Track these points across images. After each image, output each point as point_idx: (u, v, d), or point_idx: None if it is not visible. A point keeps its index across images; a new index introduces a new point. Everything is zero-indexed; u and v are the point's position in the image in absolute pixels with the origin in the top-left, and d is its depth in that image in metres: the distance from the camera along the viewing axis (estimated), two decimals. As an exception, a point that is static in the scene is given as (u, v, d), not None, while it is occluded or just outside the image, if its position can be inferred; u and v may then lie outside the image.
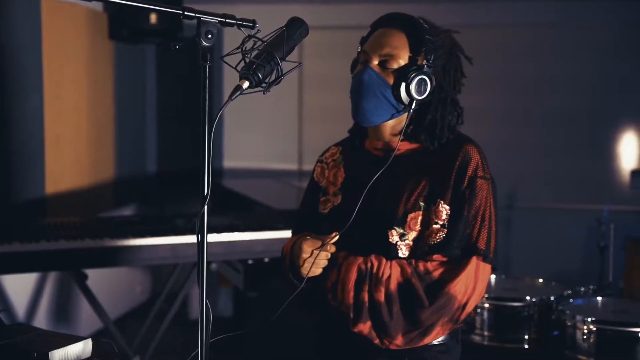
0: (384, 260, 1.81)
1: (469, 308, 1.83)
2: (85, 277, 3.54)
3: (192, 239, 3.38)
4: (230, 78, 6.07)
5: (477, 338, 3.03)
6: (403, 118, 1.90)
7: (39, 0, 4.02)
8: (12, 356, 1.87)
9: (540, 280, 3.26)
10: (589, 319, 2.72)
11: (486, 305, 3.02)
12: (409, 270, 1.79)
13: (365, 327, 1.80)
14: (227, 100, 1.61)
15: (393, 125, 1.93)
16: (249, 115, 5.99)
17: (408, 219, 1.85)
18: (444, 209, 1.83)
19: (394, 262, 1.81)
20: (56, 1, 4.16)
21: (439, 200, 1.84)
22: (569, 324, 2.79)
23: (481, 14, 5.57)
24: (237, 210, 4.47)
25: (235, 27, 1.68)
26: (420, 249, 1.84)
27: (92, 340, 2.02)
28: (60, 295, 4.50)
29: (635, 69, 5.37)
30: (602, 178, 5.45)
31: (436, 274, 1.79)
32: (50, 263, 3.27)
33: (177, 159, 5.86)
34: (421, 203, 1.85)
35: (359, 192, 1.87)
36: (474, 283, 1.80)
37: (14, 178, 3.97)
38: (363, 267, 1.81)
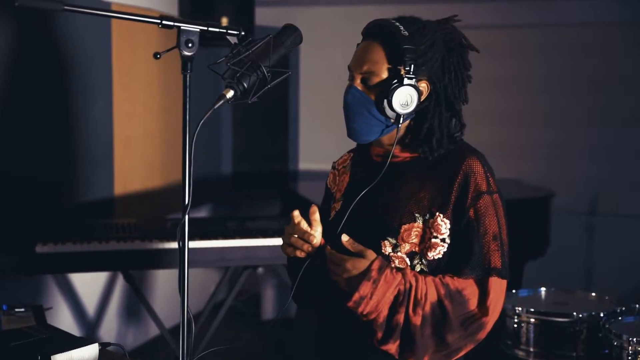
0: (420, 279, 1.74)
1: (489, 327, 1.79)
2: (133, 278, 3.61)
3: (241, 242, 3.40)
4: (306, 79, 6.08)
5: (521, 353, 2.91)
6: (400, 129, 1.83)
7: (109, 3, 4.12)
8: (17, 358, 1.92)
9: (593, 294, 3.09)
10: (635, 340, 2.55)
11: (532, 319, 2.89)
12: (442, 291, 1.73)
13: (393, 346, 1.74)
14: (210, 110, 1.60)
15: (390, 136, 1.87)
16: (324, 116, 5.97)
17: (401, 230, 1.79)
18: (444, 223, 1.76)
19: (428, 280, 1.74)
20: (126, 5, 4.26)
21: (437, 214, 1.77)
22: (615, 343, 2.63)
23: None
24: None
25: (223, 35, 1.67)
26: (420, 263, 1.78)
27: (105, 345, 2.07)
28: (131, 295, 4.59)
29: None
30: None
31: (466, 293, 1.75)
32: (101, 263, 3.36)
33: (253, 159, 5.89)
34: (416, 214, 1.79)
35: (356, 198, 1.83)
36: (495, 303, 1.77)
37: (81, 178, 4.08)
38: (402, 288, 1.71)
